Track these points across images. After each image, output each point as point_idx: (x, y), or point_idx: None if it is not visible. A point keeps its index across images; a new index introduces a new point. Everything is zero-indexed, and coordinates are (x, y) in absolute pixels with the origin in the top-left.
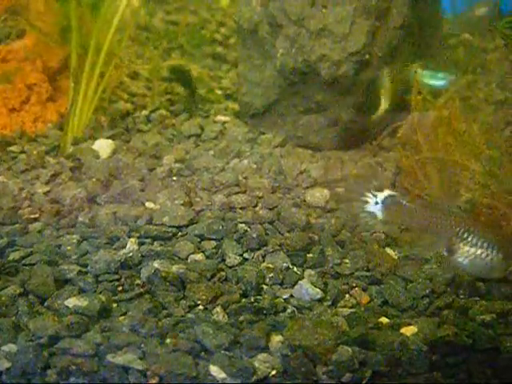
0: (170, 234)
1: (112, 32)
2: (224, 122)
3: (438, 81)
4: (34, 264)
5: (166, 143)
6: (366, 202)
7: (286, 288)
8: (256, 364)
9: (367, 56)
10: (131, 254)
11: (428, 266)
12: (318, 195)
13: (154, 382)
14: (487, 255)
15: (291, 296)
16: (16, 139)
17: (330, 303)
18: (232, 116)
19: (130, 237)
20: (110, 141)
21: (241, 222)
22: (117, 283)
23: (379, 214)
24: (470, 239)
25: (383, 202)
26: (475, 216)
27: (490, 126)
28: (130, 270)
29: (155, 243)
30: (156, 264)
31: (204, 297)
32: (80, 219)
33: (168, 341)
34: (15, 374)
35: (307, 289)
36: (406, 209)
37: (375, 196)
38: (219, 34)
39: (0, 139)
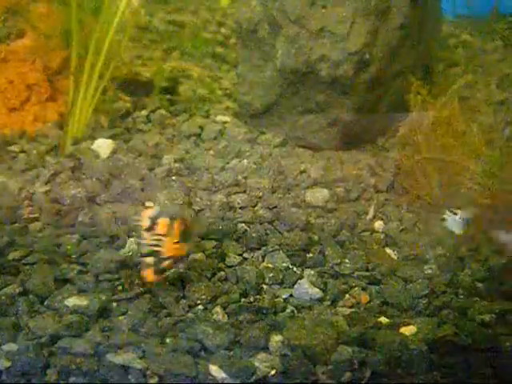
0: None
1: (112, 32)
2: (224, 122)
3: None
4: (33, 263)
5: (165, 143)
6: None
7: (286, 288)
8: (256, 363)
9: (367, 56)
10: (131, 254)
11: (427, 266)
12: (318, 195)
13: (153, 381)
14: None
15: (291, 296)
16: (16, 139)
17: (329, 303)
18: (232, 116)
19: (129, 236)
20: (109, 140)
21: (240, 222)
22: (117, 283)
23: None
24: None
25: None
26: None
27: (489, 126)
28: (130, 269)
29: None
30: None
31: (204, 296)
32: (80, 219)
33: (168, 340)
34: (15, 373)
35: (307, 288)
36: None
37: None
38: (219, 34)
39: (0, 139)
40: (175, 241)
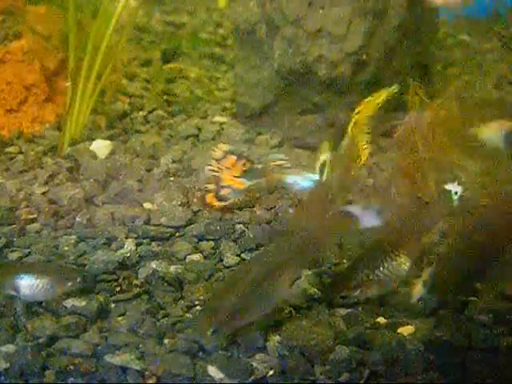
0: (168, 235)
1: (109, 33)
2: (221, 123)
3: None
4: None
5: (163, 144)
6: None
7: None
8: (254, 364)
9: (364, 56)
10: (129, 255)
11: None
12: None
13: (151, 382)
14: None
15: None
16: (13, 140)
17: (327, 303)
18: (229, 117)
19: (127, 237)
20: (107, 141)
21: (238, 223)
22: (115, 284)
23: None
24: None
25: None
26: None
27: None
28: (128, 270)
29: (153, 243)
30: (154, 264)
31: (202, 297)
32: (78, 220)
33: (166, 341)
34: (13, 374)
35: (305, 289)
36: None
37: None
38: (217, 34)
39: None
40: (235, 175)
